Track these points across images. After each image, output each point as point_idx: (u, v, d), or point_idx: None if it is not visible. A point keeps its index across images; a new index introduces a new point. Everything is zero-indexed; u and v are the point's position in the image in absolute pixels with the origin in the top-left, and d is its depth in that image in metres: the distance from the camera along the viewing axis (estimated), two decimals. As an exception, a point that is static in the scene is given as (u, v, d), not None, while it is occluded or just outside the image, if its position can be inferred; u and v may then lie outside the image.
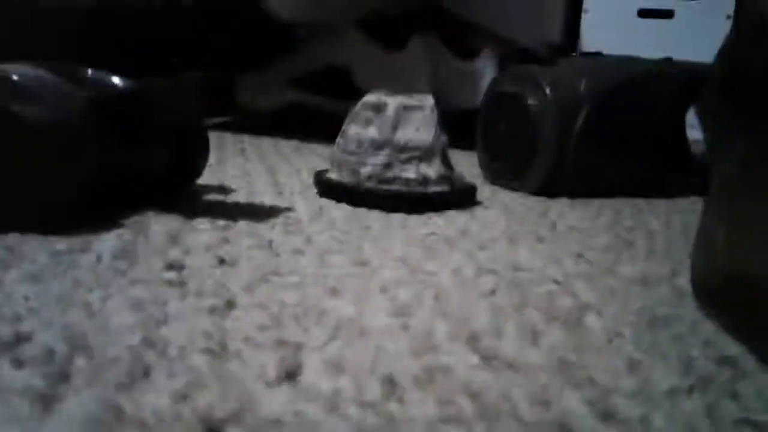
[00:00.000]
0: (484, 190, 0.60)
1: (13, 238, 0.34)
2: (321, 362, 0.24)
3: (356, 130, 0.51)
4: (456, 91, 0.94)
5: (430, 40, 0.98)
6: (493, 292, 0.33)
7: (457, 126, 0.70)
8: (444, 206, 0.50)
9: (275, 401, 0.21)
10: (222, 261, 0.34)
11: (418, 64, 0.96)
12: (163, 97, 0.42)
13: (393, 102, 0.51)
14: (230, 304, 0.28)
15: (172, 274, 0.31)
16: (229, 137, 0.80)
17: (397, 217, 0.47)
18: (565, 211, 0.54)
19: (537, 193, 0.60)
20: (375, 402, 0.21)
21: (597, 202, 0.57)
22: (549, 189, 0.59)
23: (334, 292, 0.31)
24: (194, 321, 0.26)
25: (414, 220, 0.47)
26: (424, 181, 0.50)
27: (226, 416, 0.19)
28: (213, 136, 0.78)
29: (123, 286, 0.29)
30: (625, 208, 0.56)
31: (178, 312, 0.27)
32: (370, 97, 0.51)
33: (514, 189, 0.61)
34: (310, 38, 0.91)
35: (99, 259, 0.32)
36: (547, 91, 0.59)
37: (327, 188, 0.51)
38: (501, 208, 0.53)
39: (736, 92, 0.32)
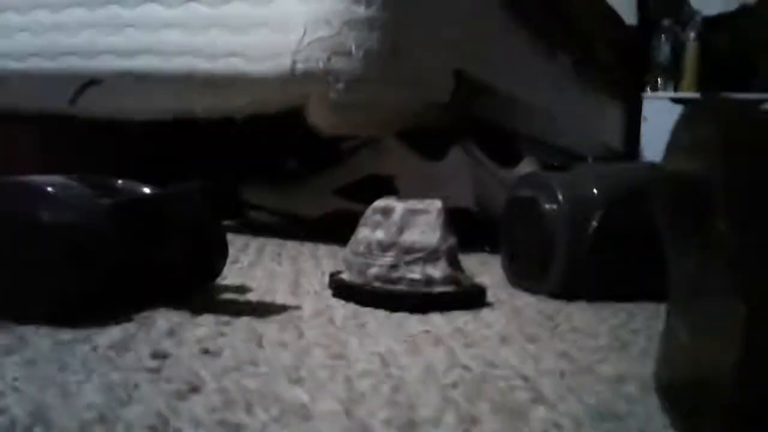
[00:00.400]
0: (502, 293, 0.61)
1: (26, 329, 0.38)
2: (251, 441, 0.25)
3: (365, 232, 0.54)
4: (497, 198, 0.96)
5: (471, 149, 1.02)
6: (455, 385, 0.34)
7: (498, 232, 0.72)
8: (449, 307, 0.52)
9: (189, 472, 0.23)
10: (206, 351, 0.37)
11: (459, 172, 0.99)
12: (182, 203, 0.46)
13: (400, 206, 0.54)
14: (194, 389, 0.31)
15: (154, 362, 0.34)
16: (270, 243, 0.84)
17: (398, 316, 0.49)
18: (575, 314, 0.54)
19: (555, 295, 0.60)
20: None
21: (615, 306, 0.57)
22: (567, 292, 0.60)
23: (299, 381, 0.33)
24: (154, 402, 0.29)
25: (414, 319, 0.48)
26: (429, 281, 0.52)
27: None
28: (253, 241, 0.83)
29: (105, 371, 0.32)
30: (641, 312, 0.56)
31: (143, 395, 0.30)
32: (379, 202, 0.55)
33: (533, 292, 0.62)
34: (354, 150, 0.97)
35: (94, 348, 0.36)
36: (560, 195, 0.60)
37: (338, 288, 0.54)
38: (509, 310, 0.54)
39: (683, 197, 0.33)
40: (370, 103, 0.88)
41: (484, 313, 0.52)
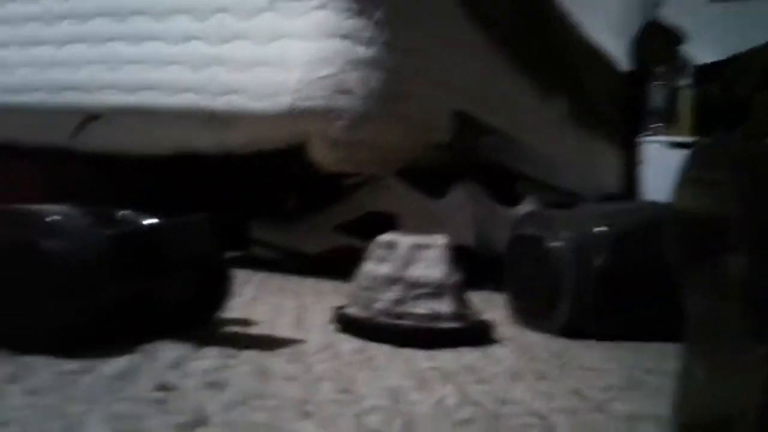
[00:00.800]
0: (509, 330, 0.60)
1: (30, 358, 0.37)
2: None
3: (370, 267, 0.53)
4: (498, 236, 0.96)
5: (472, 188, 1.02)
6: (466, 422, 0.33)
7: (500, 270, 0.71)
8: (456, 342, 0.51)
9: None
10: (212, 384, 0.36)
11: (460, 210, 0.99)
12: (184, 235, 0.46)
13: (405, 241, 0.53)
14: (201, 422, 0.30)
15: (159, 394, 0.33)
16: (273, 277, 0.84)
17: (406, 352, 0.48)
18: (584, 352, 0.53)
19: (563, 333, 0.59)
20: None
21: (623, 344, 0.56)
22: (574, 330, 0.59)
23: (307, 415, 0.32)
24: (161, 434, 0.28)
25: (422, 354, 0.47)
26: (436, 317, 0.51)
27: None
28: (256, 276, 0.82)
29: (109, 402, 0.31)
30: (650, 350, 0.55)
31: (149, 427, 0.29)
32: (384, 237, 0.54)
33: (540, 329, 0.61)
34: (355, 187, 0.97)
35: (99, 378, 0.35)
36: (566, 233, 0.60)
37: (343, 323, 0.53)
38: (517, 347, 0.53)
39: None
40: (370, 142, 0.89)
41: (493, 349, 0.51)
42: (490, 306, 0.69)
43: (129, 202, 0.54)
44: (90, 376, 0.35)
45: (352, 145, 0.88)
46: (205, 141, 0.93)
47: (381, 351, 0.47)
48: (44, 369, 0.35)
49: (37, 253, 0.39)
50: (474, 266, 0.86)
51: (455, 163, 1.02)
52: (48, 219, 0.42)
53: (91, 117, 1.00)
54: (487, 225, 0.99)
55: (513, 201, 1.08)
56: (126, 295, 0.43)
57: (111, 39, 0.97)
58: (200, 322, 0.50)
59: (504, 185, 1.11)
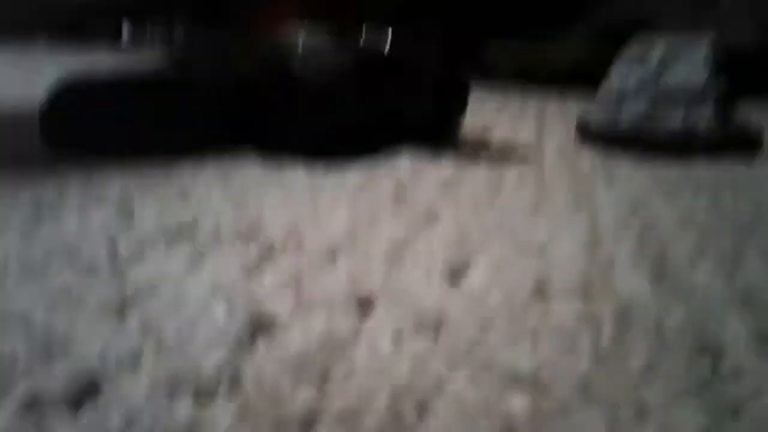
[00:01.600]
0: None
1: (287, 159, 0.42)
2: (485, 267, 0.25)
3: (622, 72, 0.49)
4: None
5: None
6: (712, 232, 0.30)
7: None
8: (714, 153, 0.46)
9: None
10: (446, 185, 0.37)
11: (734, 8, 0.86)
12: (420, 60, 0.47)
13: (662, 44, 0.48)
14: (431, 219, 0.31)
15: (396, 192, 0.35)
16: (516, 91, 0.83)
17: (654, 161, 0.45)
18: None
19: None
20: (523, 303, 0.22)
21: None
22: None
23: (537, 211, 0.32)
24: (394, 229, 0.30)
25: (672, 165, 0.44)
26: (692, 125, 0.46)
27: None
28: (499, 90, 0.81)
29: (343, 195, 0.34)
30: None
31: (383, 219, 0.31)
32: (637, 40, 0.49)
33: None
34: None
35: (341, 177, 0.38)
36: None
37: (585, 131, 0.51)
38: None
39: None
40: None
41: (759, 162, 0.46)
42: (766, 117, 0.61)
43: (374, 18, 0.55)
44: (335, 176, 0.38)
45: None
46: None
47: (625, 160, 0.45)
48: (296, 169, 0.40)
49: (293, 77, 0.43)
50: (751, 70, 0.75)
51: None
52: (301, 48, 0.45)
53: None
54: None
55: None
56: (370, 111, 0.46)
57: None
58: (441, 133, 0.51)
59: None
